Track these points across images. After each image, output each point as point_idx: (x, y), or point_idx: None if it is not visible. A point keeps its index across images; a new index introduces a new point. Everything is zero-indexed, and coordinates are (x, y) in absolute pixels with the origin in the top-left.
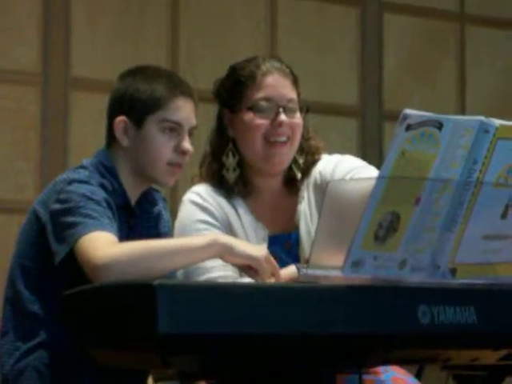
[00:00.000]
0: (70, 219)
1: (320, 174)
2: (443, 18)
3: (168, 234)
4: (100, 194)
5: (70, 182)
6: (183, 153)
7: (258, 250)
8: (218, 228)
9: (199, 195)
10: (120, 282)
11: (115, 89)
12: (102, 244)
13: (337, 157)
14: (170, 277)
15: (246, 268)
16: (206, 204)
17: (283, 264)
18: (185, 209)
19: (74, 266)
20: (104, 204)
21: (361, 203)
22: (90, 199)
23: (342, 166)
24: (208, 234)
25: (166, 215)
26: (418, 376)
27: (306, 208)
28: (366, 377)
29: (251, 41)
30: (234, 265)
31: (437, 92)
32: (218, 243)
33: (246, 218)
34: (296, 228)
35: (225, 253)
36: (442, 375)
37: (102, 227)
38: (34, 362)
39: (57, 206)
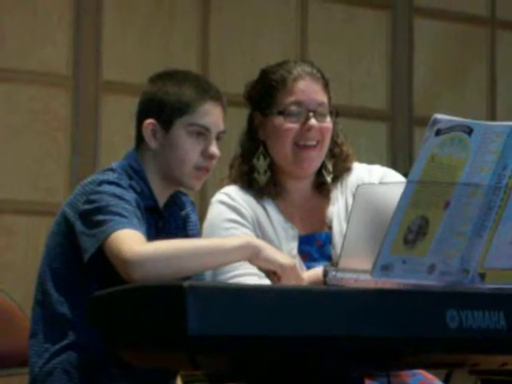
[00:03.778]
0: (101, 217)
1: (362, 181)
2: (474, 23)
3: (196, 236)
4: (130, 195)
5: (100, 183)
6: (210, 157)
7: (288, 258)
8: (247, 227)
9: (228, 195)
10: (149, 283)
11: (145, 92)
12: (134, 240)
13: (381, 168)
14: (199, 276)
15: (271, 274)
16: (234, 203)
17: (314, 262)
18: (214, 209)
19: (103, 267)
20: (134, 204)
21: (390, 207)
22: (121, 199)
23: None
24: (240, 236)
25: (194, 218)
26: (446, 381)
27: (342, 209)
28: (393, 381)
29: (281, 45)
30: (259, 268)
31: (467, 97)
32: (250, 246)
33: (276, 217)
34: (326, 229)
35: (254, 256)
36: (470, 380)
37: (133, 226)
38: (62, 364)
39: (87, 206)
